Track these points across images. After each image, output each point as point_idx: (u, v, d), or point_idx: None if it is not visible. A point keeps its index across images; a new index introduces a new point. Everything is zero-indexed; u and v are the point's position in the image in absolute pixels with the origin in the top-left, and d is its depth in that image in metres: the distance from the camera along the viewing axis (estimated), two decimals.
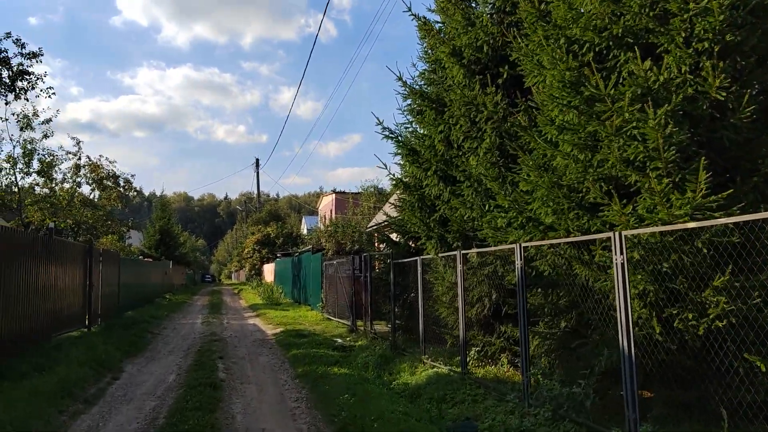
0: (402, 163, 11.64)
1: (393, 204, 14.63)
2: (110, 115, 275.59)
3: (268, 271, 48.49)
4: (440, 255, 10.03)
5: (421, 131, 11.90)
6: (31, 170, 20.95)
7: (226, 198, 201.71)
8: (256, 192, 64.11)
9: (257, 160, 53.15)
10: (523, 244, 7.19)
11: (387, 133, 11.86)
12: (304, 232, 56.92)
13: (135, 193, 30.90)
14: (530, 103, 8.34)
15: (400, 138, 11.74)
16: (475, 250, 8.85)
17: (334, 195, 49.99)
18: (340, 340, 14.96)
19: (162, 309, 26.55)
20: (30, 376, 9.48)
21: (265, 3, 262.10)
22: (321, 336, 15.80)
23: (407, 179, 11.70)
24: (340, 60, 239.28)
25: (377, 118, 11.94)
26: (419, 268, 10.83)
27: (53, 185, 27.24)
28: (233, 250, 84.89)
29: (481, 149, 9.31)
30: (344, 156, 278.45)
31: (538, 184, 7.24)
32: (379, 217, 34.96)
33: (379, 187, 48.19)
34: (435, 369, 9.80)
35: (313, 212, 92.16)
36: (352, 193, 48.04)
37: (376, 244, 36.79)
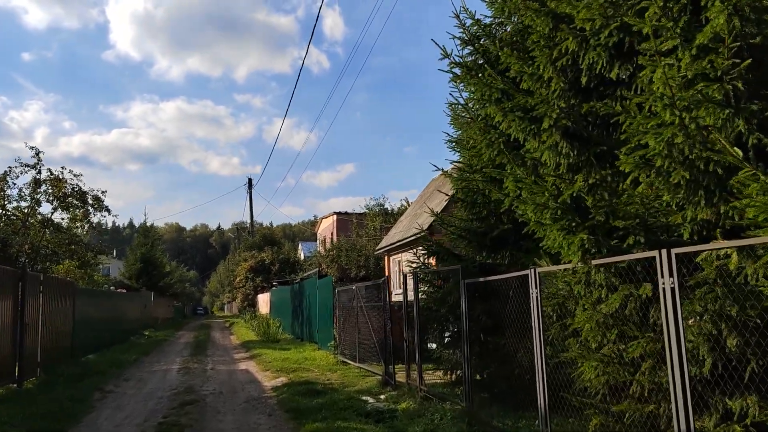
0: (488, 113, 7.05)
1: (446, 194, 10.07)
2: (103, 149, 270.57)
3: (263, 301, 43.55)
4: (595, 263, 5.36)
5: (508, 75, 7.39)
6: None
7: (218, 228, 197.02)
8: (248, 217, 59.43)
9: (249, 179, 48.53)
10: None
11: (460, 70, 7.33)
12: (302, 257, 52.11)
13: (107, 213, 26.03)
14: None
15: (485, 67, 7.19)
16: (734, 242, 4.17)
17: (335, 216, 45.31)
18: (372, 401, 10.22)
19: (134, 350, 21.66)
20: None
21: (258, 36, 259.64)
22: (342, 392, 11.05)
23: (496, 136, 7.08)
24: (334, 92, 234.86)
25: (441, 48, 7.47)
26: (534, 289, 6.20)
27: (4, 202, 22.72)
28: (225, 281, 79.72)
29: (685, 51, 4.77)
30: (338, 186, 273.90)
31: None
32: (391, 238, 30.36)
33: (385, 206, 43.73)
34: None
35: (309, 239, 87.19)
36: (356, 213, 43.43)
37: (387, 269, 32.08)
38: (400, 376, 11.39)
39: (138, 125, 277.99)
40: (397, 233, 29.99)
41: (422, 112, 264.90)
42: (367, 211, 42.49)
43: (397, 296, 28.97)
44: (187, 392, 12.03)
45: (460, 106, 9.67)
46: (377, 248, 32.74)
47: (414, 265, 11.08)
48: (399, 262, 29.82)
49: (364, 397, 10.50)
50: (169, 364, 17.78)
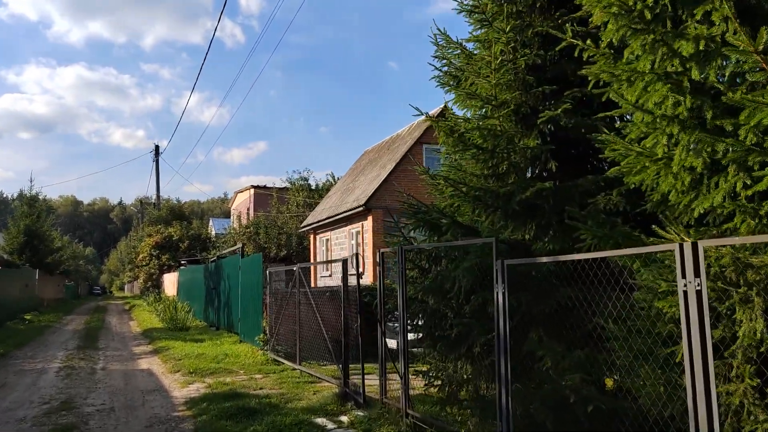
0: None
1: (446, 150, 7.26)
2: None
3: (170, 282, 39.21)
4: None
5: None
6: None
7: (120, 203, 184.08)
8: (154, 191, 54.09)
9: (156, 146, 43.48)
10: None
11: None
12: (213, 234, 47.80)
13: None
14: None
15: None
16: None
17: (252, 190, 41.50)
18: (331, 426, 7.35)
19: (6, 341, 17.50)
20: None
21: (168, 2, 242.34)
22: (286, 410, 8.04)
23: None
24: (247, 66, 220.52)
25: None
26: (694, 278, 3.50)
27: None
28: (126, 258, 73.22)
29: None
30: (249, 164, 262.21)
31: None
32: (319, 215, 27.30)
33: (309, 181, 40.45)
34: None
35: (219, 217, 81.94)
36: (277, 188, 39.84)
37: (313, 249, 28.99)
38: (377, 391, 8.53)
39: (32, 90, 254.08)
40: (326, 209, 26.97)
41: (338, 92, 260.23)
42: (289, 185, 39.01)
43: (324, 278, 25.94)
44: (63, 409, 8.63)
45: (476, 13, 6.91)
46: (302, 225, 29.60)
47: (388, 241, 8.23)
48: (327, 240, 26.84)
49: (318, 420, 7.58)
50: (47, 360, 14.00)
